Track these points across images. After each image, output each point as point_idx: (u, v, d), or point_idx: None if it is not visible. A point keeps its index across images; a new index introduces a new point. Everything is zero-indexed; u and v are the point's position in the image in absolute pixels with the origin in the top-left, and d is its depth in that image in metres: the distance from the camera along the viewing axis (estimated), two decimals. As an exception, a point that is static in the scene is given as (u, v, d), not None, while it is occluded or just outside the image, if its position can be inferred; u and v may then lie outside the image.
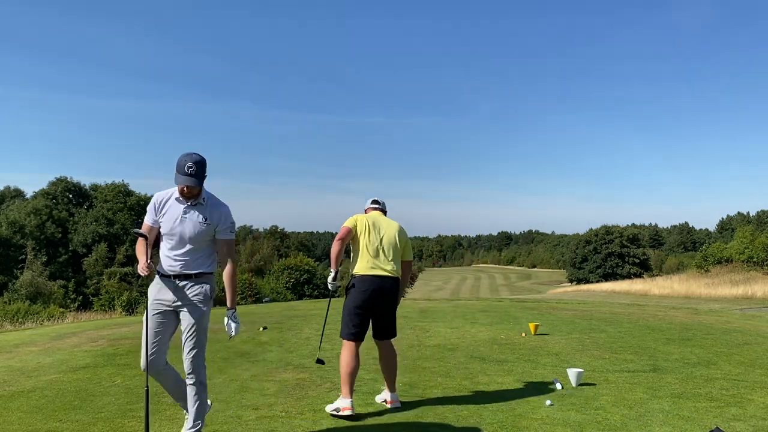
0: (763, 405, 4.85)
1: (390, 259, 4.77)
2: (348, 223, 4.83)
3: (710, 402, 4.93)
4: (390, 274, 4.73)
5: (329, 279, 4.84)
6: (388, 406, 4.78)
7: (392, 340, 4.91)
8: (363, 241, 4.77)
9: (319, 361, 5.27)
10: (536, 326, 8.80)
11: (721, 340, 8.33)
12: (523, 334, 8.63)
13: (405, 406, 4.78)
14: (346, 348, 4.66)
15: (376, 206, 5.13)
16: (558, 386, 5.40)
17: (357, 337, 4.69)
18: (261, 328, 9.31)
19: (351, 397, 4.48)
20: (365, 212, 5.07)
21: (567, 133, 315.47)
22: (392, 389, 4.86)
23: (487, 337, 8.42)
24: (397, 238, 4.85)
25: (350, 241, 4.83)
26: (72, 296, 44.20)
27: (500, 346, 7.72)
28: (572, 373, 5.54)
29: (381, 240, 4.79)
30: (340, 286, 5.01)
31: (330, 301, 5.65)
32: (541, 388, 5.40)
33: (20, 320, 19.82)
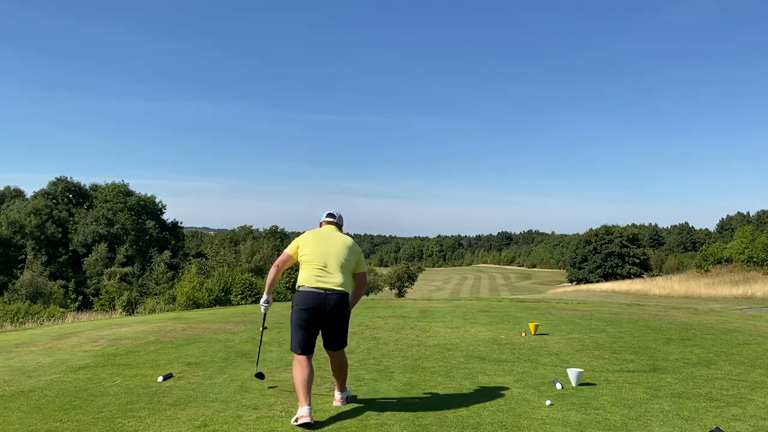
0: (763, 405, 4.85)
1: (337, 271, 4.50)
2: (289, 249, 4.66)
3: (710, 402, 4.93)
4: (336, 288, 4.45)
5: (261, 302, 4.83)
6: (338, 404, 4.76)
7: (345, 349, 4.76)
8: (307, 253, 4.55)
9: (259, 375, 5.40)
10: (536, 326, 8.80)
11: (721, 340, 8.34)
12: (523, 334, 8.63)
13: (405, 406, 4.78)
14: (297, 360, 4.46)
15: (331, 219, 4.86)
16: (558, 386, 5.39)
17: (305, 351, 4.48)
18: (261, 328, 9.30)
19: (308, 404, 4.29)
20: (320, 226, 4.89)
21: (567, 133, 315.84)
22: (341, 389, 4.83)
23: (487, 337, 8.42)
24: (346, 253, 4.59)
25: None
26: (72, 296, 44.28)
27: (500, 346, 7.71)
28: (572, 373, 5.54)
29: (327, 252, 4.55)
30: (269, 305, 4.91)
31: (262, 333, 5.90)
32: (541, 388, 5.40)
33: (20, 320, 19.83)
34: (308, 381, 4.37)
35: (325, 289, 4.42)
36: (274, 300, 24.79)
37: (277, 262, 4.67)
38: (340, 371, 4.71)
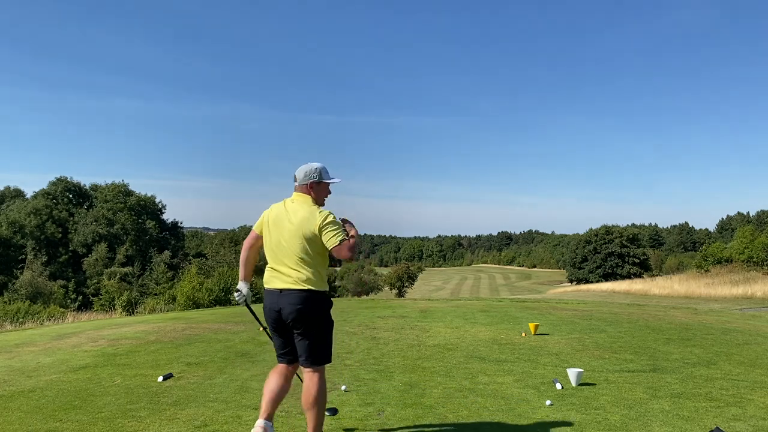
0: (763, 405, 4.85)
1: (292, 264, 3.60)
2: (256, 226, 3.84)
3: (710, 402, 4.93)
4: (290, 287, 3.59)
5: (234, 291, 3.93)
6: None
7: (324, 368, 3.74)
8: (265, 242, 3.77)
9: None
10: (536, 326, 8.80)
11: (721, 340, 8.34)
12: (523, 334, 8.63)
13: (405, 406, 4.77)
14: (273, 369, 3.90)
15: (295, 186, 3.80)
16: (558, 386, 5.39)
17: (281, 358, 3.82)
18: (261, 328, 9.30)
19: (264, 417, 3.68)
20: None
21: (567, 133, 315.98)
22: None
23: (487, 337, 8.42)
24: (299, 236, 3.59)
25: None
26: (72, 296, 44.26)
27: (500, 346, 7.72)
28: (572, 373, 5.54)
29: (280, 239, 3.66)
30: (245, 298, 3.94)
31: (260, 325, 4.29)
32: (541, 388, 5.40)
33: (20, 320, 19.83)
34: (273, 392, 3.73)
35: (281, 288, 3.62)
36: None
37: (245, 241, 3.91)
38: (308, 403, 3.64)
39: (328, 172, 3.79)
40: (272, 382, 3.76)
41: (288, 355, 3.77)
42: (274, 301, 3.64)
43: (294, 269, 3.59)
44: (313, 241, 3.59)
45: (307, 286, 3.58)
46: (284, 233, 3.64)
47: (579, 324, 9.97)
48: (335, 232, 3.57)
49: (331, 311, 3.76)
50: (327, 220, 3.59)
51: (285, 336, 3.74)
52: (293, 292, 3.58)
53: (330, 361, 3.77)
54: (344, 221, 3.76)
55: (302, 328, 3.61)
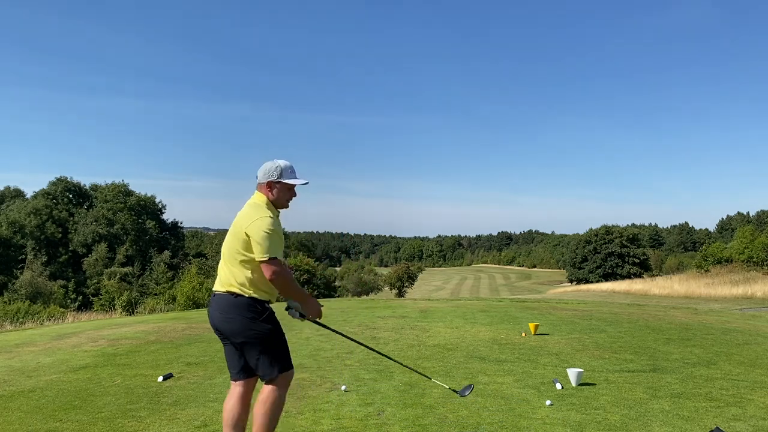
0: (763, 405, 4.85)
1: (226, 265, 3.30)
2: None
3: (710, 402, 4.93)
4: (218, 289, 3.32)
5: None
6: None
7: (284, 379, 3.33)
8: None
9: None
10: (536, 326, 8.81)
11: (721, 340, 8.34)
12: (523, 334, 8.63)
13: (405, 406, 4.77)
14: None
15: (256, 184, 3.49)
16: (558, 386, 5.40)
17: (231, 375, 3.40)
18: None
19: None
20: None
21: (567, 134, 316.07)
22: None
23: (487, 337, 8.42)
24: (236, 233, 3.27)
25: None
26: (72, 296, 44.28)
27: (500, 346, 7.72)
28: (572, 373, 5.54)
29: (227, 239, 3.38)
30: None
31: None
32: (541, 388, 5.40)
33: (20, 320, 19.83)
34: (230, 418, 3.31)
35: (214, 291, 3.36)
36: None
37: None
38: (257, 411, 3.28)
39: (294, 171, 3.39)
40: (227, 408, 3.34)
41: (235, 368, 3.35)
42: (212, 306, 3.34)
43: (225, 272, 3.29)
44: (247, 243, 3.21)
45: (230, 289, 3.24)
46: (229, 233, 3.35)
47: (579, 324, 9.97)
48: (262, 244, 3.14)
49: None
50: (256, 226, 3.16)
51: (230, 347, 3.35)
52: (220, 295, 3.28)
53: (285, 371, 3.32)
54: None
55: (236, 336, 3.23)
